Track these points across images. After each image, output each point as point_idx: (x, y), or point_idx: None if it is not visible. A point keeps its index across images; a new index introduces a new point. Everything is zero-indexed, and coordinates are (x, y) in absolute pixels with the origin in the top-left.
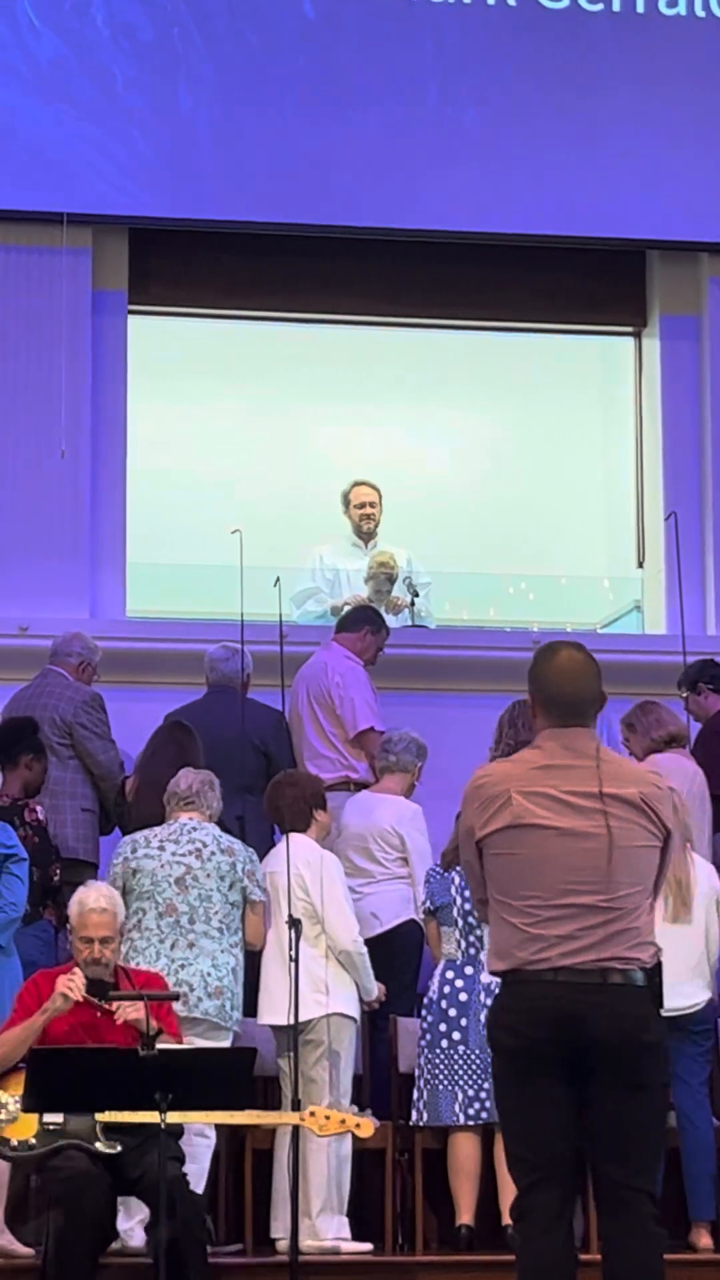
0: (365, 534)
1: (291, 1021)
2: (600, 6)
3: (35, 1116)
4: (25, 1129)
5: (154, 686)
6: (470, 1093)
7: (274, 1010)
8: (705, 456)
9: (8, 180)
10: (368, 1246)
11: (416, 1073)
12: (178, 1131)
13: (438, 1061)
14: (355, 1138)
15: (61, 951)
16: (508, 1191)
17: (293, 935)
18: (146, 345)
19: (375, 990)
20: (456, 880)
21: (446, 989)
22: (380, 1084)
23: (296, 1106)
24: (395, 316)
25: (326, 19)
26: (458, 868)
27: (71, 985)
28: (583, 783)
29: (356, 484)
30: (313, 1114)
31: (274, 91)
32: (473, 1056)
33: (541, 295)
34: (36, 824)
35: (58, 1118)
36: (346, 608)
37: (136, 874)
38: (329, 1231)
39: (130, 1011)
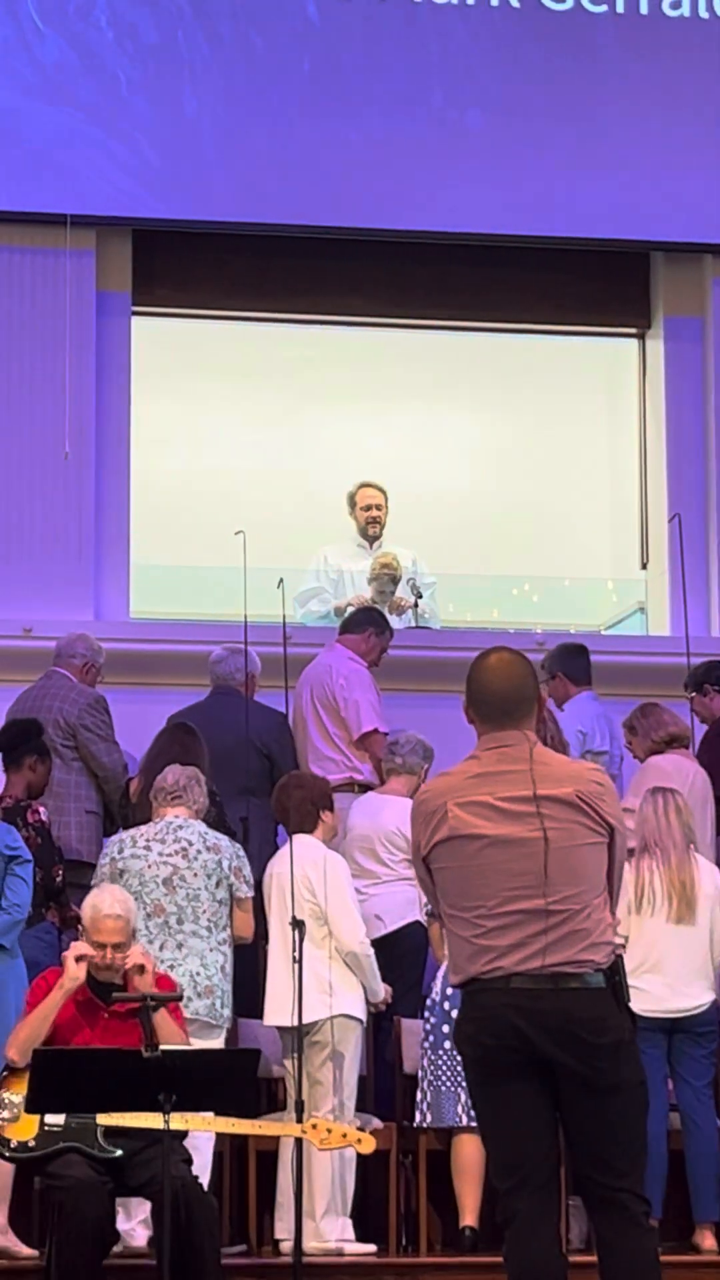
0: (371, 535)
1: (296, 1023)
2: (604, 8)
3: (36, 1118)
4: (26, 1130)
5: (158, 688)
6: None
7: (279, 1011)
8: (709, 458)
9: (12, 182)
10: (372, 1248)
11: (420, 1074)
12: (182, 1133)
13: (441, 1063)
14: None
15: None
16: None
17: (297, 936)
18: (150, 346)
19: (382, 992)
20: None
21: (450, 990)
22: (384, 1085)
23: (301, 1109)
24: (400, 318)
25: (330, 21)
26: None
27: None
28: (517, 787)
29: (362, 485)
30: (314, 1126)
31: (278, 93)
32: None
33: (545, 297)
34: (40, 825)
35: (58, 1120)
36: (350, 609)
37: (124, 874)
38: (333, 1233)
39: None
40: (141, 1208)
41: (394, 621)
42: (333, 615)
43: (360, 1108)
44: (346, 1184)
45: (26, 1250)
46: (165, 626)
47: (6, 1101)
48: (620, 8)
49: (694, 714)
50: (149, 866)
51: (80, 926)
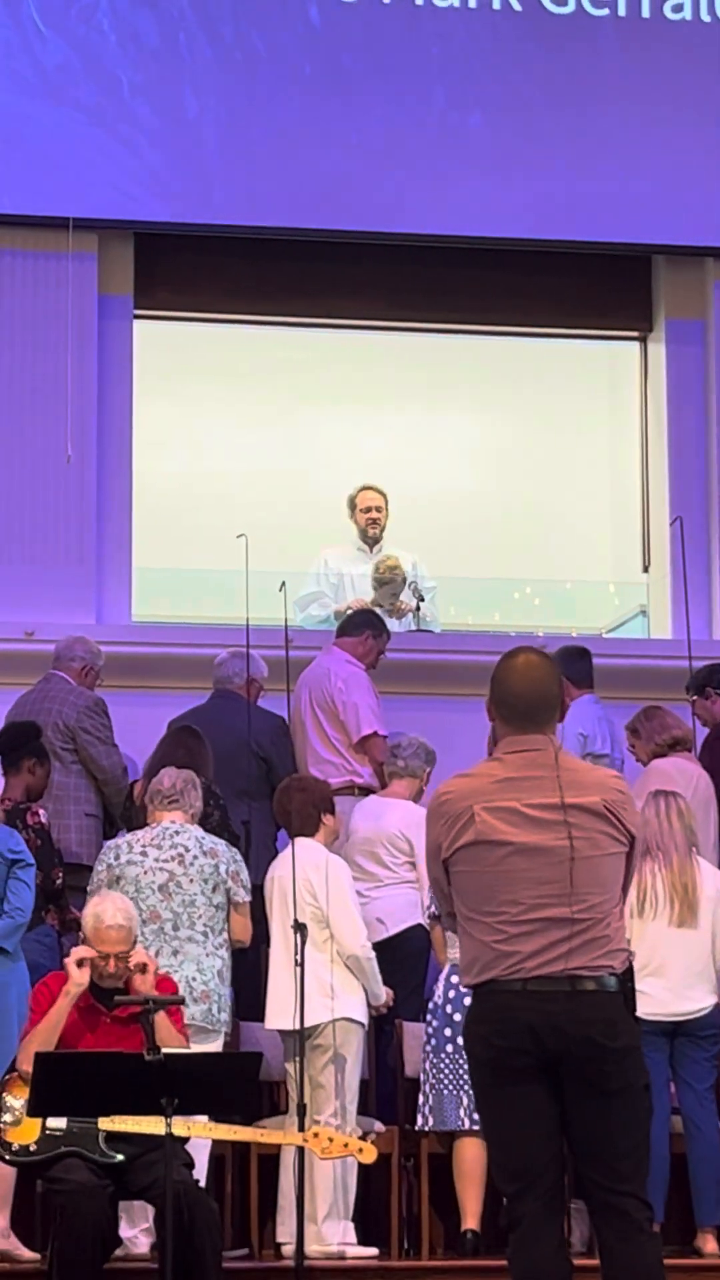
0: (371, 538)
1: (298, 1026)
2: (605, 11)
3: (38, 1121)
4: (27, 1134)
5: (160, 691)
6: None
7: (281, 1015)
8: (711, 461)
9: (14, 185)
10: (373, 1251)
11: (422, 1078)
12: (184, 1137)
13: (443, 1066)
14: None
15: (63, 955)
16: None
17: (299, 940)
18: (152, 350)
19: (384, 995)
20: None
21: (452, 994)
22: (386, 1089)
23: (302, 1112)
24: (401, 321)
25: (331, 24)
26: None
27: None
28: (544, 794)
29: (363, 488)
30: (315, 1135)
31: (280, 97)
32: None
33: (547, 300)
34: (39, 827)
35: (60, 1124)
36: (350, 612)
37: (120, 880)
38: (334, 1236)
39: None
40: (144, 1215)
41: (395, 625)
42: (332, 619)
43: (362, 1111)
44: (348, 1188)
45: (28, 1254)
46: (167, 630)
47: (8, 1105)
48: (622, 11)
49: (695, 717)
50: (145, 872)
51: (81, 934)
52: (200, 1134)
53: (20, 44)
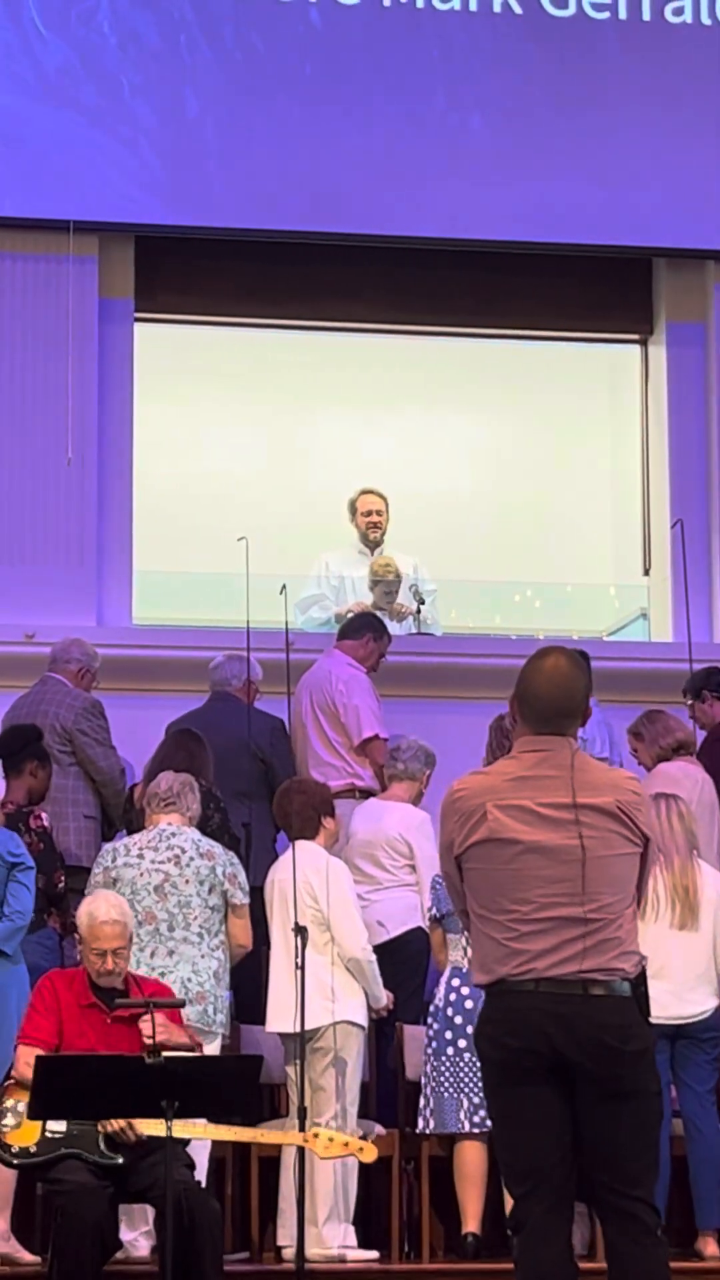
0: (371, 542)
1: (298, 1029)
2: (606, 14)
3: (38, 1125)
4: (27, 1136)
5: (161, 694)
6: (476, 1100)
7: (282, 1018)
8: (711, 463)
9: (15, 188)
10: (374, 1255)
11: (423, 1080)
12: (185, 1139)
13: (444, 1069)
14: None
15: (67, 959)
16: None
17: (299, 943)
18: (153, 352)
19: (384, 998)
20: None
21: (453, 996)
22: (387, 1092)
23: (303, 1115)
24: (402, 324)
25: (332, 26)
26: None
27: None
28: (557, 793)
29: (363, 492)
30: (315, 1135)
31: (280, 99)
32: (479, 1064)
33: (548, 303)
34: (42, 830)
35: (60, 1126)
36: (350, 615)
37: (117, 883)
38: (335, 1240)
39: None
40: (144, 1218)
41: (395, 628)
42: (333, 622)
43: (363, 1114)
44: (349, 1191)
45: (29, 1256)
46: (168, 632)
47: (9, 1109)
48: (622, 14)
49: (693, 720)
50: (141, 874)
51: (79, 937)
52: (199, 1135)
53: (20, 46)
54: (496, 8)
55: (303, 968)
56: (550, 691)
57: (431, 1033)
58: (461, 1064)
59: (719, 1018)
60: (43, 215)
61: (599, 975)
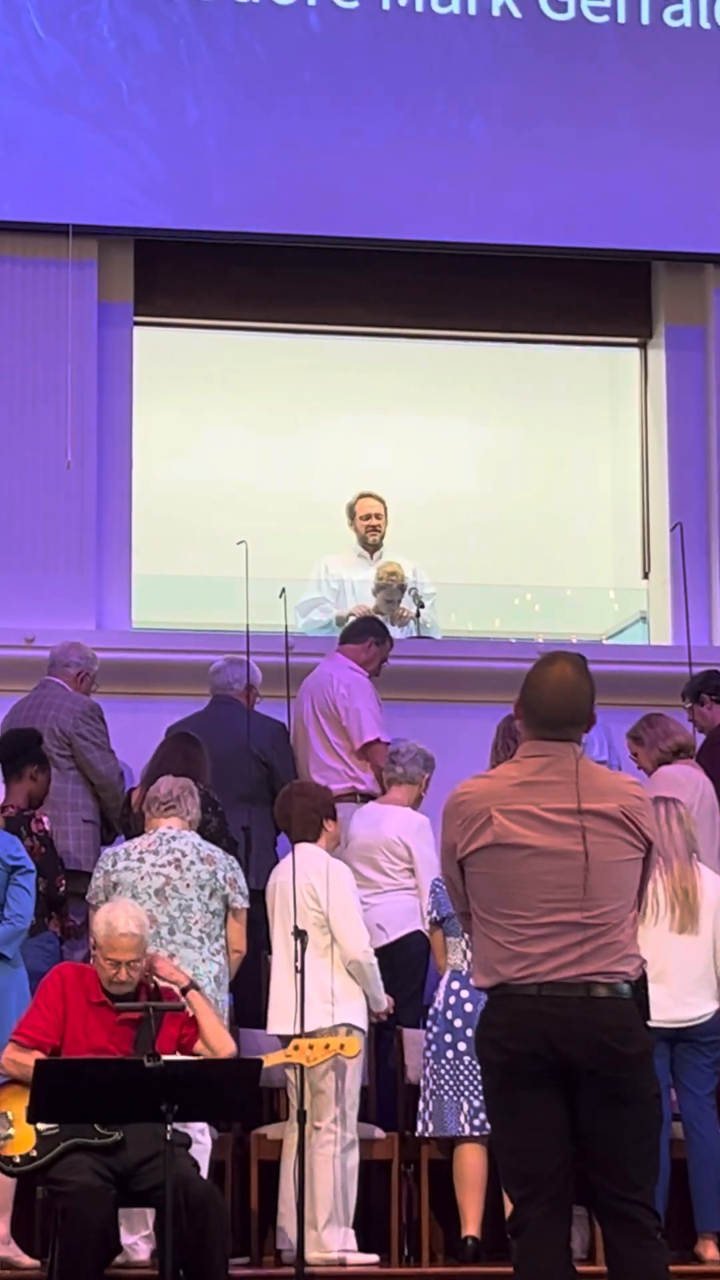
0: (371, 545)
1: (298, 1031)
2: (605, 18)
3: (32, 1129)
4: (24, 1143)
5: (160, 698)
6: (476, 1103)
7: (282, 1020)
8: (711, 467)
9: (14, 192)
10: (374, 1258)
11: (422, 1084)
12: (187, 1141)
13: (443, 1072)
14: (362, 1151)
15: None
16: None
17: (299, 946)
18: (152, 356)
19: (385, 1002)
20: None
21: (452, 1000)
22: (386, 1095)
23: (303, 1118)
24: (401, 327)
25: (332, 31)
26: None
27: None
28: (562, 799)
29: (362, 495)
30: (297, 1048)
31: (280, 103)
32: (478, 1067)
33: (547, 306)
34: (43, 834)
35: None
36: (351, 618)
37: (117, 887)
38: (335, 1243)
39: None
40: (143, 1222)
41: (395, 632)
42: (334, 625)
43: (362, 1118)
44: (349, 1194)
45: (28, 1260)
46: (167, 636)
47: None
48: (622, 17)
49: (692, 724)
50: (141, 878)
51: (94, 943)
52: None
53: (20, 50)
54: (496, 11)
55: (302, 971)
56: (556, 698)
57: (431, 1036)
58: (461, 1067)
59: (719, 1021)
60: (42, 219)
61: (601, 978)
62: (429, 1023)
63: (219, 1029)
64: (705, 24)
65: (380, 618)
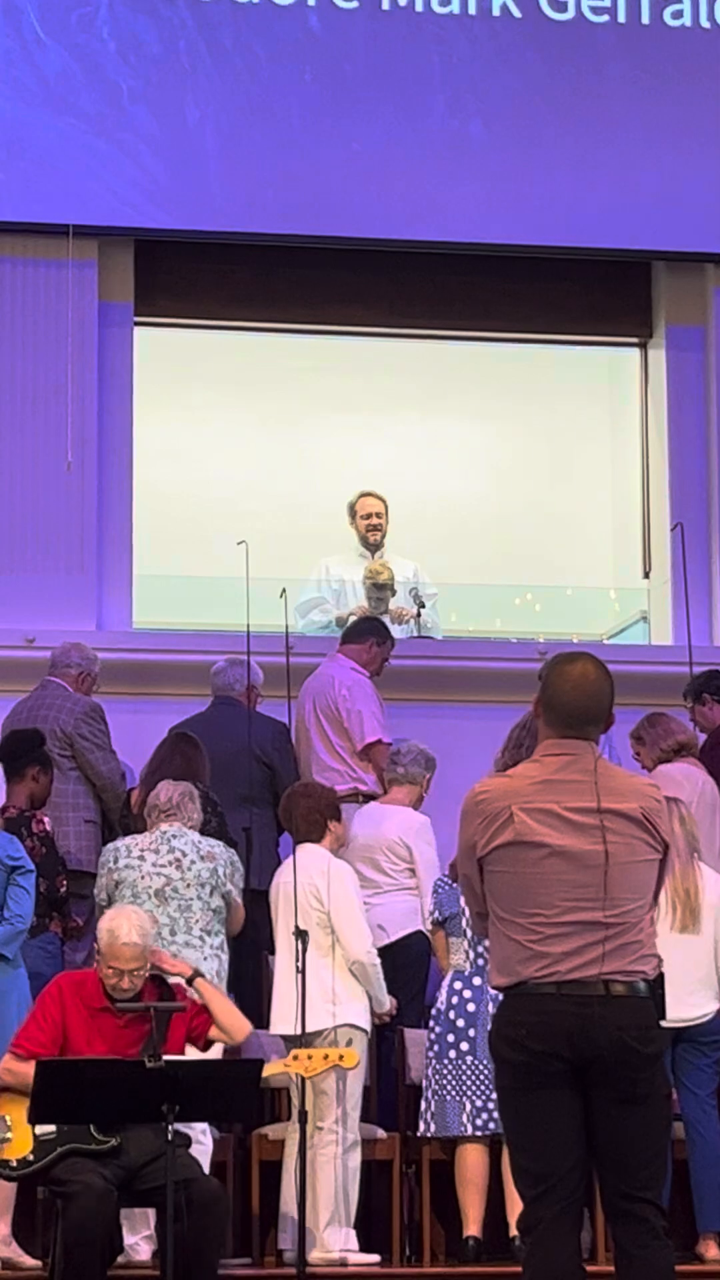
0: (371, 545)
1: (299, 1032)
2: (605, 18)
3: (29, 1133)
4: (22, 1147)
5: (161, 698)
6: (478, 1103)
7: (285, 1020)
8: (711, 467)
9: (14, 193)
10: (375, 1258)
11: (424, 1084)
12: (187, 1141)
13: (446, 1072)
14: (364, 1151)
15: (68, 963)
16: (515, 1203)
17: (299, 946)
18: (153, 357)
19: (388, 1002)
20: None
21: (455, 1000)
22: (388, 1095)
23: (304, 1118)
24: (401, 328)
25: (332, 32)
26: None
27: None
28: (582, 798)
29: (362, 495)
30: (296, 1058)
31: (280, 104)
32: (481, 1067)
33: (547, 306)
34: (44, 835)
35: (49, 1127)
36: (351, 619)
37: (119, 885)
38: (336, 1243)
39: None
40: (145, 1222)
41: (396, 631)
42: (333, 625)
43: (364, 1118)
44: (350, 1195)
45: (30, 1261)
46: (168, 637)
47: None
48: (622, 18)
49: (693, 723)
50: (142, 877)
51: (97, 949)
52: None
53: (20, 52)
54: (496, 11)
55: (303, 971)
56: (577, 697)
57: (433, 1036)
58: (464, 1067)
59: None
60: (42, 220)
61: (620, 977)
62: (431, 1023)
63: (230, 1010)
64: (705, 24)
65: (382, 618)
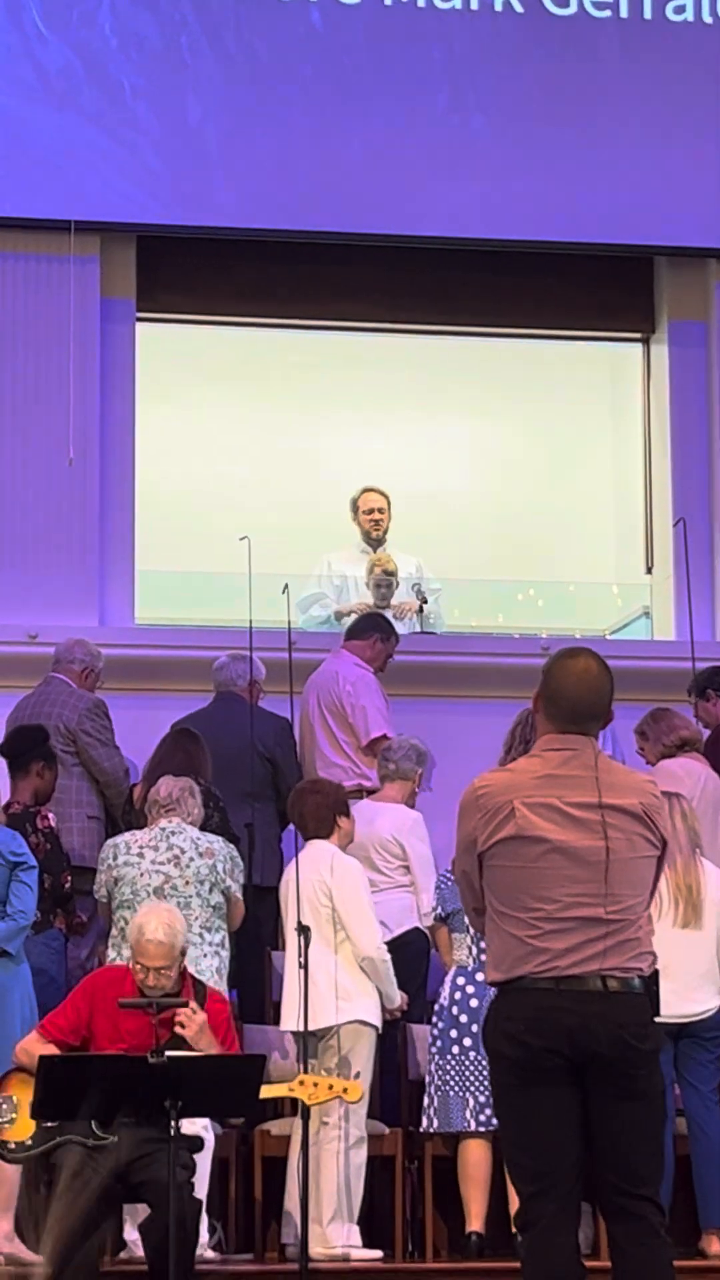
0: (374, 540)
1: (302, 1028)
2: (608, 13)
3: (32, 1120)
4: (23, 1131)
5: (163, 694)
6: (481, 1099)
7: (293, 1017)
8: (714, 462)
9: (16, 188)
10: (378, 1254)
11: (427, 1079)
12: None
13: (448, 1068)
14: (369, 1147)
15: (71, 959)
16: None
17: (302, 942)
18: (154, 353)
19: (398, 998)
20: None
21: (458, 995)
22: (390, 1091)
23: (306, 1114)
24: (404, 323)
25: (333, 27)
26: None
27: None
28: (583, 793)
29: (365, 490)
30: (301, 1083)
31: (281, 99)
32: (484, 1063)
33: (550, 302)
34: (49, 831)
35: None
36: (353, 615)
37: (119, 883)
38: (339, 1239)
39: (187, 1028)
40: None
41: (398, 627)
42: (334, 620)
43: (366, 1114)
44: (354, 1191)
45: (32, 1256)
46: (170, 632)
47: (3, 1101)
48: (624, 12)
49: (697, 719)
50: (141, 875)
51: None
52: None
53: (22, 47)
54: (498, 6)
55: (305, 967)
56: (579, 692)
57: (436, 1031)
58: (466, 1063)
59: None
60: (44, 215)
61: (617, 973)
62: (434, 1018)
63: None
64: (707, 19)
65: (385, 613)
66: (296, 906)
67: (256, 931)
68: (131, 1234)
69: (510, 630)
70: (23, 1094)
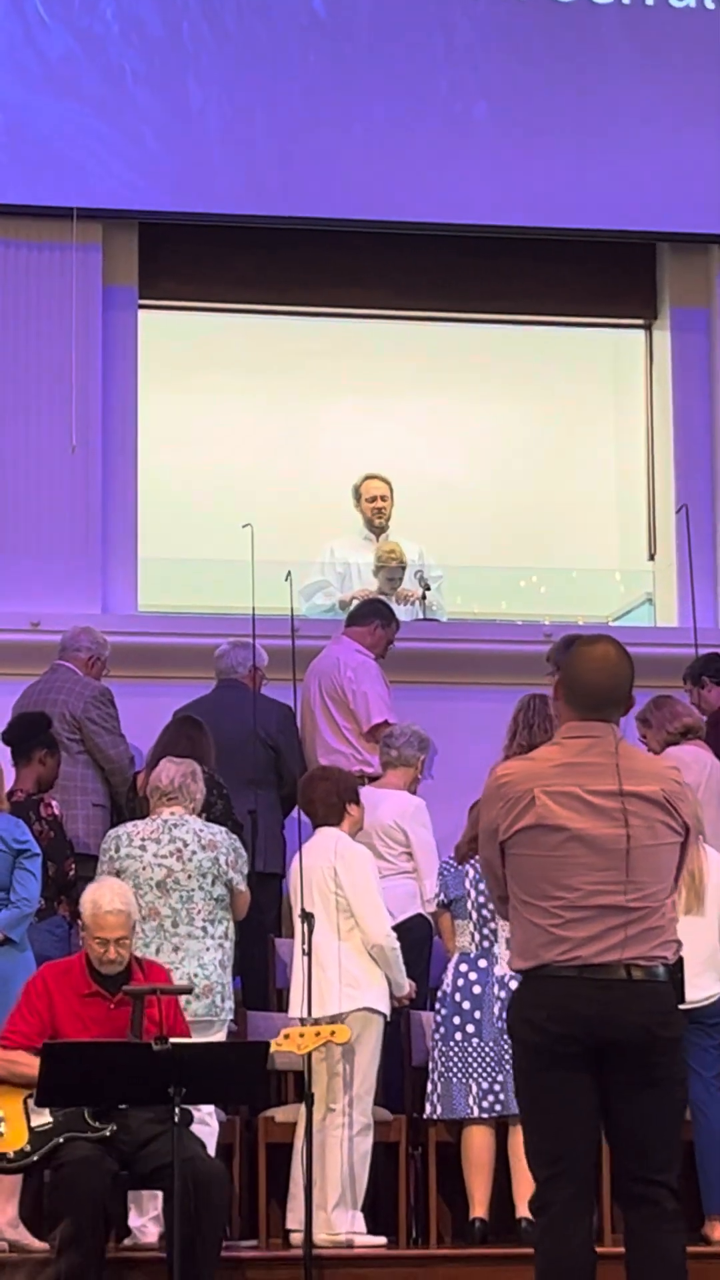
0: (377, 527)
1: (305, 1015)
2: None
3: (24, 1125)
4: (17, 1139)
5: (166, 681)
6: (484, 1085)
7: (302, 1004)
8: (716, 448)
9: (18, 175)
10: (382, 1240)
11: (430, 1066)
12: (188, 1120)
13: (451, 1054)
14: (375, 1133)
15: (75, 947)
16: (522, 1184)
17: (306, 929)
18: (157, 340)
19: (407, 985)
20: (470, 873)
21: (460, 982)
22: (393, 1077)
23: (310, 1100)
24: (405, 310)
25: (335, 13)
26: (472, 860)
27: None
28: (604, 781)
29: (367, 477)
30: (288, 1036)
31: (283, 86)
32: (486, 1049)
33: (552, 288)
34: (52, 818)
35: (45, 1118)
36: (355, 601)
37: (120, 875)
38: (343, 1225)
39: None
40: (153, 1204)
41: (401, 613)
42: (337, 608)
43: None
44: (359, 1178)
45: (37, 1243)
46: (173, 620)
47: None
48: None
49: (695, 706)
50: (144, 868)
51: (81, 924)
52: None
53: (23, 34)
54: None
55: (309, 954)
56: (600, 679)
57: (439, 1018)
58: (469, 1049)
59: None
60: (46, 203)
61: (641, 962)
62: (437, 1005)
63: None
64: (709, 4)
65: (385, 599)
66: (314, 893)
67: (259, 918)
68: (136, 1221)
69: (513, 617)
70: (5, 1105)
